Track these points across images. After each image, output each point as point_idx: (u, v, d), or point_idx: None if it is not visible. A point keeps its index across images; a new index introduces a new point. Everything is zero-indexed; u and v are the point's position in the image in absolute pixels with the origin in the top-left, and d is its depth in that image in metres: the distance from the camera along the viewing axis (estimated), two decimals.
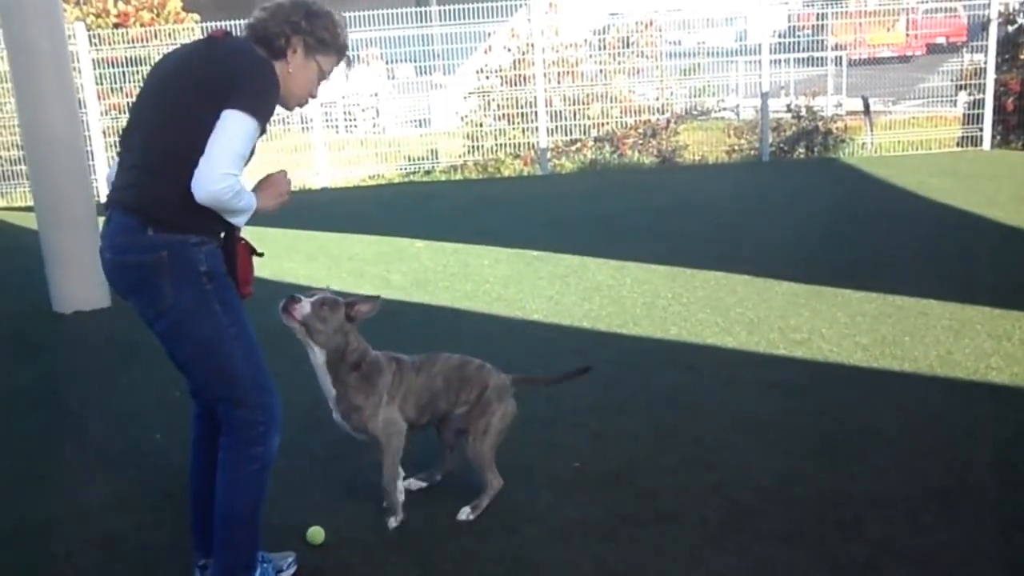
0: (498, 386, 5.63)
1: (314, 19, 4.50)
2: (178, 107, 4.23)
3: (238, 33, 4.56)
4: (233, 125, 4.11)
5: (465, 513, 5.51)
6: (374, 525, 5.49)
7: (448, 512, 5.49)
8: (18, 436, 7.23)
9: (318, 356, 5.23)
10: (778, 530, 5.22)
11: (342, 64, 4.75)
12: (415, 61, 22.40)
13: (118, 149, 4.51)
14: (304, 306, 5.09)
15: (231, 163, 4.11)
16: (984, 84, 19.40)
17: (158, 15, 22.09)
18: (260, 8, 4.52)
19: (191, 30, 21.39)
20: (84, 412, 7.59)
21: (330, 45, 4.57)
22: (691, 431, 6.58)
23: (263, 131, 4.27)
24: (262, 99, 4.25)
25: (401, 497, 5.50)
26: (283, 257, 12.23)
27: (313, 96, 4.68)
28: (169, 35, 20.35)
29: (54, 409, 7.64)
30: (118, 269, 4.31)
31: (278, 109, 4.42)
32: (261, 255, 4.63)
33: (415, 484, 5.78)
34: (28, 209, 12.06)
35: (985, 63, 19.43)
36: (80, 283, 10.03)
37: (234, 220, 4.34)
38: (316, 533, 5.25)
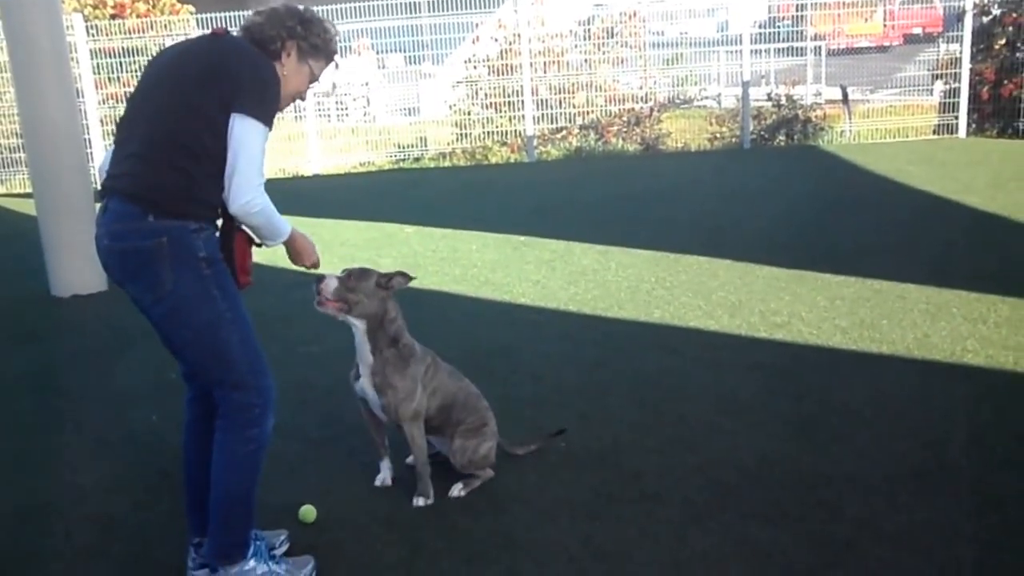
0: (494, 430, 5.69)
1: (308, 25, 4.61)
2: (181, 96, 4.24)
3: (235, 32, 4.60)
4: (250, 137, 4.21)
5: (457, 489, 5.52)
6: (366, 504, 5.48)
7: (438, 490, 5.46)
8: (16, 419, 7.20)
9: (359, 327, 5.22)
10: (760, 510, 5.21)
11: (331, 67, 4.86)
12: (405, 51, 22.37)
13: (114, 138, 4.47)
14: (331, 282, 5.12)
15: (259, 175, 4.26)
16: (960, 73, 19.40)
17: (154, 6, 22.05)
18: (255, 12, 4.57)
19: (186, 21, 21.32)
20: (82, 395, 7.57)
21: (321, 50, 4.67)
22: (675, 412, 6.56)
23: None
24: (269, 103, 4.33)
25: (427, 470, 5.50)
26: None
27: (302, 98, 4.80)
28: (165, 26, 20.37)
29: (52, 392, 7.61)
30: (116, 255, 4.27)
31: None
32: (260, 245, 4.58)
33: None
34: (27, 196, 12.02)
35: (961, 53, 19.44)
36: (78, 268, 10.00)
37: (266, 241, 4.49)
38: (308, 512, 5.24)
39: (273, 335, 8.14)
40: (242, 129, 4.18)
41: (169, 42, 20.16)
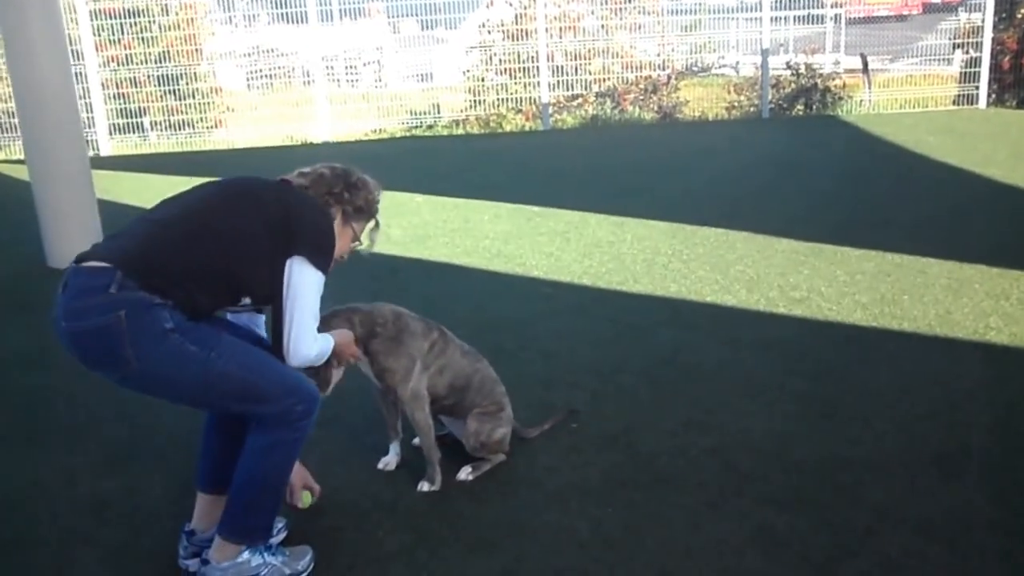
0: (510, 416, 5.57)
1: (354, 191, 4.66)
2: (240, 218, 4.24)
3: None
4: (308, 283, 4.28)
5: (465, 472, 5.38)
6: (367, 489, 5.33)
7: (446, 474, 5.32)
8: (9, 395, 7.08)
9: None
10: (777, 495, 5.06)
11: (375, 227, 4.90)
12: (418, 15, 22.21)
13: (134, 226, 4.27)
14: (337, 374, 5.06)
15: (314, 323, 4.36)
16: (981, 43, 19.23)
17: None
18: (299, 173, 4.60)
19: None
20: (77, 369, 7.40)
21: (365, 212, 4.73)
22: (690, 392, 6.42)
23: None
24: (327, 252, 4.38)
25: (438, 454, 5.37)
26: None
27: (343, 259, 4.74)
28: None
29: (47, 367, 7.46)
30: (73, 338, 3.99)
31: None
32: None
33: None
34: (23, 163, 11.92)
35: (982, 22, 19.25)
36: (74, 238, 9.73)
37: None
38: (305, 496, 5.09)
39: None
40: (300, 275, 4.25)
41: (172, 2, 20.03)
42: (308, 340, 4.27)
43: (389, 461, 5.54)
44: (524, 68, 20.29)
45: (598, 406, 6.22)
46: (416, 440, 5.45)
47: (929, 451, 5.49)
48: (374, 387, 5.34)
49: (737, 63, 23.16)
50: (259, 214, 4.21)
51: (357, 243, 4.75)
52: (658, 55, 21.67)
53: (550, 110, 20.12)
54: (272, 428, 4.29)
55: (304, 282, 4.24)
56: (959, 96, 19.87)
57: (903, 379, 6.50)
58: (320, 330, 4.52)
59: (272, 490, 4.45)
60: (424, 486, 5.26)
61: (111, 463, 5.81)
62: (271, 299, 4.26)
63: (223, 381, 4.14)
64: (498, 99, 20.75)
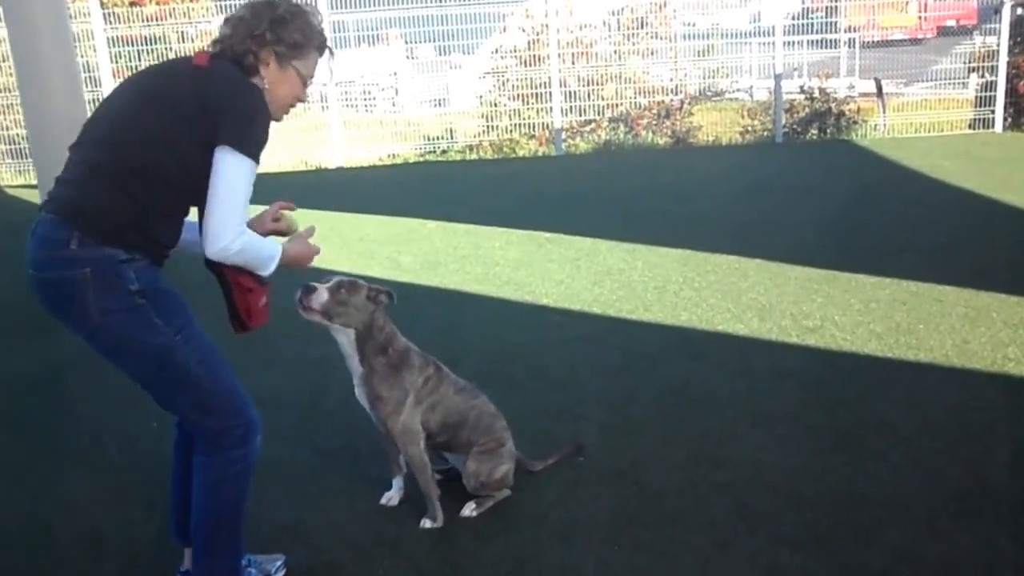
0: (512, 451, 5.39)
1: (280, 26, 4.16)
2: (154, 123, 3.92)
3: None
4: (234, 172, 3.88)
5: (468, 509, 5.23)
6: (370, 524, 5.19)
7: (451, 509, 5.16)
8: (13, 421, 6.98)
9: (344, 336, 4.97)
10: (790, 534, 4.90)
11: (326, 57, 4.41)
12: (435, 41, 22.16)
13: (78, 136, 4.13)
14: (321, 294, 4.85)
15: (237, 216, 3.92)
16: (996, 67, 19.09)
17: None
18: (225, 21, 4.22)
19: (206, 9, 21.09)
20: (82, 396, 7.33)
21: (304, 46, 4.23)
22: (700, 424, 6.26)
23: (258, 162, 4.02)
24: (256, 136, 3.96)
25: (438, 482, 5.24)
26: None
27: (301, 100, 4.34)
28: (184, 14, 20.13)
29: (52, 393, 7.37)
30: (40, 287, 3.94)
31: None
32: (266, 284, 4.27)
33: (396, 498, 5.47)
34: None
35: (997, 45, 19.12)
36: None
37: (259, 272, 4.12)
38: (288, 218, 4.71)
39: (284, 337, 7.88)
40: (224, 163, 3.86)
41: (190, 31, 19.98)
42: (228, 230, 3.86)
43: (392, 496, 5.40)
44: (537, 93, 20.19)
45: (606, 438, 6.07)
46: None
47: (948, 488, 5.33)
48: (375, 423, 5.19)
49: (751, 88, 23.06)
50: (178, 120, 3.92)
51: (311, 81, 4.30)
52: (671, 80, 21.57)
53: (563, 135, 20.00)
54: (211, 453, 4.16)
55: (227, 170, 3.87)
56: (975, 120, 19.69)
57: (919, 412, 6.34)
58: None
59: (228, 530, 4.28)
60: (426, 523, 5.12)
61: (112, 493, 5.70)
62: None
63: (177, 370, 4.02)
64: (511, 124, 20.64)
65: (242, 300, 4.21)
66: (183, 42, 20.12)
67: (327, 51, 4.38)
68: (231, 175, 3.86)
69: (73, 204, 3.89)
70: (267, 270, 4.14)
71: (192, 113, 3.89)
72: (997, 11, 19.19)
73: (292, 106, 4.31)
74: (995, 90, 19.16)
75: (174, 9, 20.45)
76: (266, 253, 4.10)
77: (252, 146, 3.92)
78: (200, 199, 3.91)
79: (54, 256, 3.83)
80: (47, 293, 3.91)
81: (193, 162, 3.86)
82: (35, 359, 8.14)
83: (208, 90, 3.94)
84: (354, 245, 11.42)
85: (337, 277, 4.95)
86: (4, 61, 18.03)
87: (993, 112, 19.20)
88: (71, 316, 3.91)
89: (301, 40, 4.18)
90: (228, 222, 3.87)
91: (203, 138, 3.84)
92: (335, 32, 19.46)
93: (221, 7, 20.38)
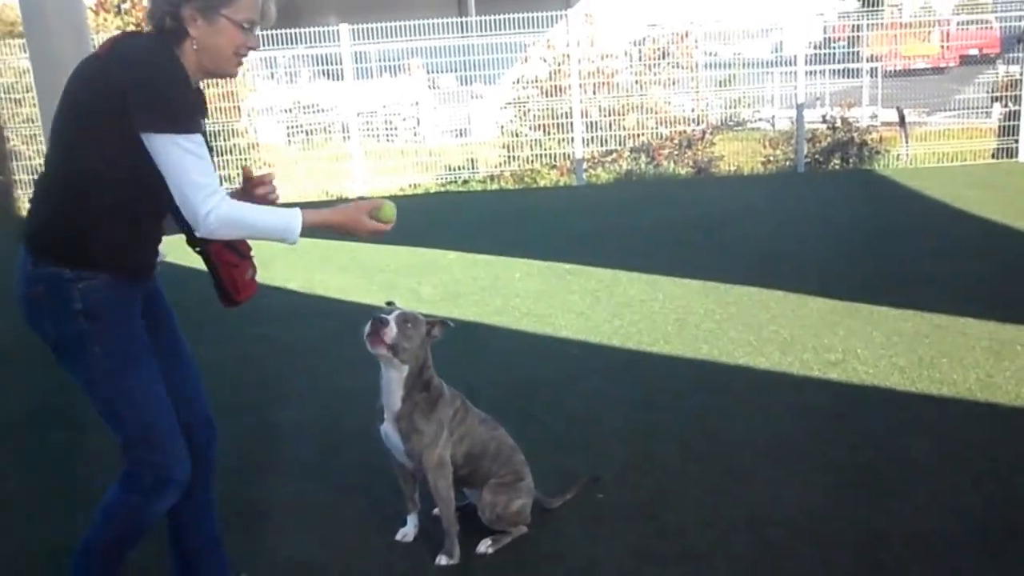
0: (529, 486, 5.31)
1: None
2: (72, 131, 3.82)
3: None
4: (168, 153, 3.68)
5: (484, 545, 5.16)
6: (385, 560, 5.13)
7: (467, 546, 5.09)
8: (27, 453, 6.94)
9: (397, 372, 4.85)
10: (810, 572, 4.82)
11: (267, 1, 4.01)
12: (456, 71, 22.17)
13: None
14: (391, 328, 4.70)
15: (199, 188, 3.71)
16: (1019, 96, 19.00)
17: None
18: None
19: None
20: (101, 426, 7.24)
21: None
22: (721, 459, 6.18)
23: (197, 128, 3.80)
24: (168, 109, 3.70)
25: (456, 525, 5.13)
26: (315, 268, 12.00)
27: (251, 47, 3.97)
28: None
29: (68, 424, 7.30)
30: (18, 301, 3.90)
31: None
32: (247, 257, 4.21)
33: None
34: None
35: (1020, 74, 19.04)
36: None
37: (281, 241, 3.93)
38: (385, 209, 4.57)
39: (302, 366, 7.84)
40: (155, 151, 3.67)
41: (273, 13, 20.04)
42: (195, 210, 3.70)
43: (407, 532, 5.32)
44: (559, 124, 20.16)
45: (624, 474, 5.99)
46: (436, 510, 5.20)
47: (972, 527, 5.24)
48: (391, 458, 5.12)
49: (773, 117, 23.00)
50: (88, 120, 3.76)
51: (249, 25, 3.89)
52: (693, 110, 21.53)
53: (584, 165, 19.96)
54: (119, 487, 4.06)
55: (162, 156, 3.66)
56: (998, 149, 19.58)
57: (943, 447, 6.25)
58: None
59: (95, 566, 4.17)
60: (442, 559, 5.05)
61: None
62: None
63: (106, 402, 3.94)
64: (533, 154, 20.61)
65: (227, 275, 4.15)
66: (267, 25, 20.09)
67: None
68: (167, 159, 3.68)
69: (26, 226, 3.86)
70: (283, 237, 3.90)
71: (99, 108, 3.72)
72: (1020, 40, 19.12)
73: (242, 56, 3.99)
74: (1018, 119, 19.06)
75: None
76: (271, 220, 3.90)
77: (169, 120, 3.68)
78: (154, 192, 3.80)
79: (21, 274, 3.83)
80: (22, 309, 3.88)
81: (123, 159, 3.73)
82: (51, 390, 8.04)
83: (108, 80, 3.72)
84: (375, 276, 11.40)
85: (397, 308, 4.86)
86: (28, 92, 18.06)
87: (1016, 141, 19.10)
88: (39, 331, 3.89)
89: None
90: (190, 203, 3.71)
91: (120, 130, 3.68)
92: (357, 63, 19.46)
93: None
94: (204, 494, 4.44)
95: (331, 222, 4.05)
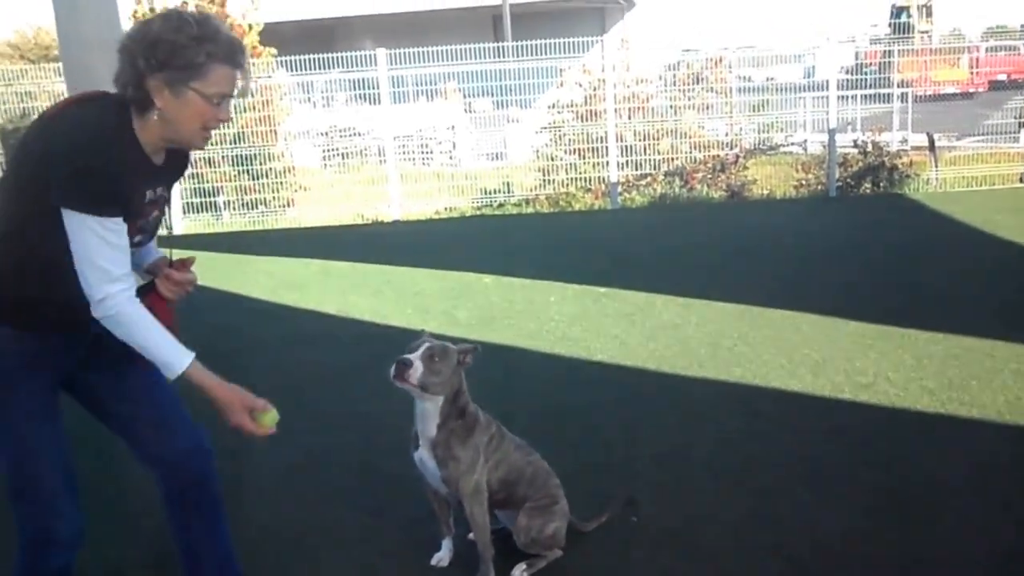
0: (564, 509, 5.29)
1: (155, 49, 3.61)
2: (3, 183, 3.75)
3: None
4: (75, 233, 3.56)
5: (519, 570, 5.15)
6: None
7: (501, 570, 5.08)
8: None
9: (432, 404, 4.80)
10: None
11: (243, 71, 3.80)
12: (492, 96, 22.20)
13: None
14: (416, 368, 4.62)
15: (99, 274, 3.60)
16: None
17: None
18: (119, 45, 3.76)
19: (268, 63, 21.14)
20: (125, 455, 7.24)
21: (196, 68, 3.64)
22: (754, 482, 6.17)
23: (117, 212, 3.63)
24: (83, 189, 3.54)
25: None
26: (348, 291, 12.00)
27: (221, 119, 3.77)
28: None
29: (100, 449, 7.29)
30: None
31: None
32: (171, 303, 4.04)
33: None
34: None
35: None
36: None
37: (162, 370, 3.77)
38: (263, 417, 4.53)
39: (336, 391, 7.84)
40: (68, 225, 3.55)
41: (252, 85, 19.99)
42: (91, 292, 3.58)
43: (442, 557, 5.31)
44: (594, 148, 20.16)
45: (659, 498, 5.97)
46: (471, 535, 5.20)
47: (1003, 549, 5.23)
48: (426, 484, 5.12)
49: (805, 141, 22.96)
50: (17, 176, 3.67)
51: (219, 100, 3.70)
52: (726, 134, 21.50)
53: (619, 189, 19.96)
54: (19, 548, 4.02)
55: (71, 232, 3.54)
56: None
57: (973, 470, 6.22)
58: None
59: None
60: None
61: (158, 560, 5.54)
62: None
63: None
64: (568, 178, 20.60)
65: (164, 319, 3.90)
66: (243, 97, 20.12)
67: (237, 65, 3.77)
68: (76, 237, 3.55)
69: None
70: (169, 372, 3.75)
71: (27, 171, 3.63)
72: None
73: (209, 129, 3.79)
74: None
75: None
76: (162, 352, 3.74)
77: (83, 201, 3.53)
78: (61, 269, 3.65)
79: None
80: None
81: (40, 224, 3.62)
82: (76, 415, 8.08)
83: (40, 143, 3.62)
84: (409, 299, 11.40)
85: (425, 342, 4.78)
86: None
87: None
88: None
89: (190, 59, 3.61)
90: (87, 283, 3.60)
91: (39, 196, 3.56)
92: (394, 87, 19.51)
93: (285, 62, 20.47)
94: (208, 524, 4.41)
95: (213, 394, 3.83)
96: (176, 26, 3.60)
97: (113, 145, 3.63)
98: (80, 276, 3.59)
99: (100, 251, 3.57)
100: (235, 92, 3.78)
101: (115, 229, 3.61)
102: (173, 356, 3.72)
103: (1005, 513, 5.62)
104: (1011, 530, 5.42)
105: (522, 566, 5.16)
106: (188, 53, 3.59)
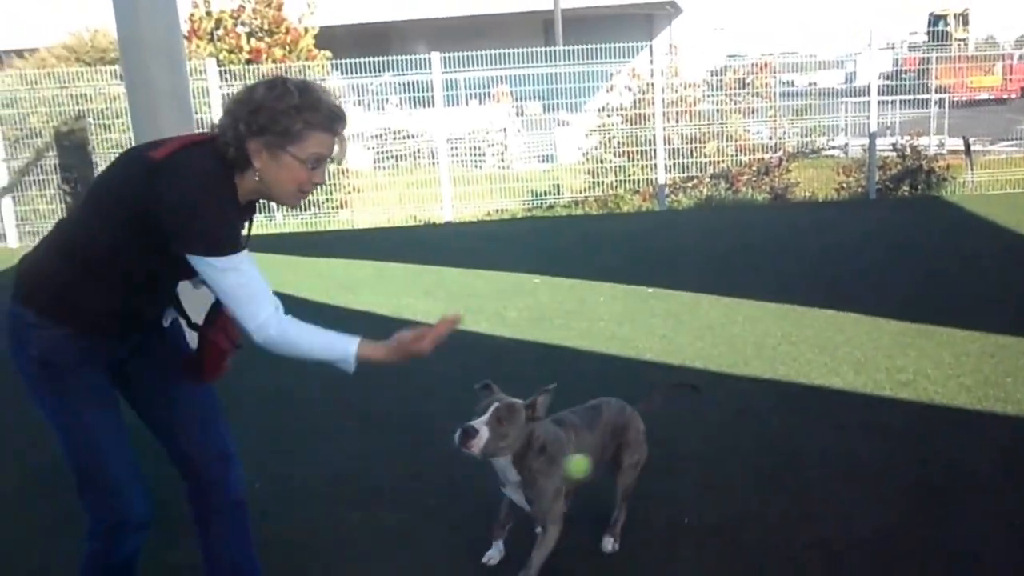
0: (640, 428, 5.36)
1: (258, 114, 3.69)
2: (97, 209, 3.81)
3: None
4: (214, 277, 3.70)
5: (608, 543, 5.23)
6: None
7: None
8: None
9: (504, 459, 4.69)
10: None
11: (340, 138, 3.87)
12: (542, 99, 22.19)
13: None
14: (481, 437, 4.46)
15: (252, 309, 3.72)
16: None
17: (290, 52, 21.61)
18: (224, 107, 3.85)
19: (323, 67, 21.11)
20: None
21: (300, 131, 3.71)
22: (795, 479, 6.16)
23: (238, 247, 3.73)
24: (208, 237, 3.65)
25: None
26: (401, 292, 12.02)
27: (316, 182, 3.84)
28: (300, 72, 20.09)
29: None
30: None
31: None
32: (236, 347, 4.11)
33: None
34: None
35: None
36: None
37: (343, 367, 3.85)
38: (577, 464, 4.61)
39: (388, 392, 7.83)
40: (203, 272, 3.71)
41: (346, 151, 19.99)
42: (249, 324, 3.69)
43: (492, 556, 5.25)
44: (642, 151, 20.11)
45: (703, 495, 5.97)
46: (537, 529, 5.03)
47: None
48: (504, 495, 5.07)
49: (846, 145, 22.88)
50: (118, 210, 3.69)
51: (315, 164, 3.77)
52: (770, 138, 21.42)
53: (666, 191, 19.93)
54: (87, 536, 4.08)
55: (210, 276, 3.68)
56: None
57: (1009, 465, 6.22)
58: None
59: None
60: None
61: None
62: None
63: (63, 447, 3.95)
64: (616, 180, 20.57)
65: (212, 358, 4.07)
66: (339, 162, 19.99)
67: (336, 128, 3.83)
68: (214, 280, 3.71)
69: (22, 260, 3.93)
70: (338, 363, 3.84)
71: (135, 209, 3.66)
72: None
73: (304, 192, 3.88)
74: None
75: (291, 67, 20.42)
76: (325, 346, 3.83)
77: (211, 247, 3.66)
78: (157, 288, 3.95)
79: (5, 310, 3.85)
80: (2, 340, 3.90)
81: (127, 253, 3.75)
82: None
83: (152, 189, 3.63)
84: (461, 300, 11.43)
85: (494, 403, 4.61)
86: (118, 118, 18.16)
87: None
88: (12, 361, 3.91)
89: (291, 126, 3.69)
90: (244, 318, 3.73)
91: (141, 234, 3.68)
92: (447, 90, 19.54)
93: (339, 65, 20.50)
94: (225, 528, 4.40)
95: (388, 363, 3.95)
96: (279, 94, 3.68)
97: (228, 199, 3.76)
98: (237, 314, 3.74)
99: (244, 286, 3.71)
100: (331, 156, 3.85)
101: (239, 262, 3.71)
102: (342, 352, 3.81)
103: None
104: None
105: (609, 539, 5.23)
106: (287, 120, 3.67)
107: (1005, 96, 30.87)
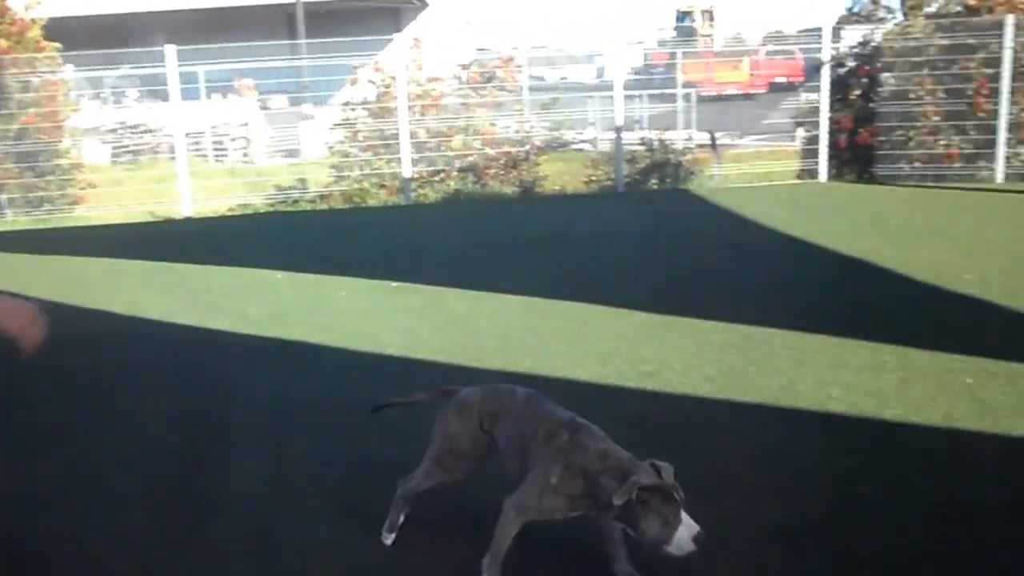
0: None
1: None
2: None
3: None
4: None
5: None
6: None
7: None
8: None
9: None
10: None
11: None
12: (288, 92, 22.12)
13: None
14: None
15: None
16: (819, 121, 19.55)
17: (17, 43, 20.97)
18: None
19: (53, 59, 20.48)
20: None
21: None
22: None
23: None
24: None
25: None
26: (136, 290, 11.77)
27: None
28: (28, 63, 19.45)
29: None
30: None
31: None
32: None
33: None
34: None
35: (819, 102, 19.59)
36: None
37: None
38: None
39: (126, 391, 7.72)
40: None
41: (34, 80, 19.33)
42: None
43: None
44: (387, 144, 20.15)
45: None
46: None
47: (771, 524, 5.41)
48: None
49: (594, 139, 23.29)
50: None
51: None
52: (518, 132, 21.66)
53: (412, 185, 19.99)
54: None
55: None
56: (802, 170, 20.23)
57: (747, 453, 6.44)
58: None
59: None
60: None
61: None
62: None
63: None
64: (362, 174, 20.58)
65: None
66: (26, 92, 19.49)
67: None
68: None
69: None
70: None
71: None
72: (819, 69, 19.70)
73: None
74: (819, 143, 19.62)
75: (18, 59, 19.71)
76: None
77: None
78: None
79: None
80: None
81: None
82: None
83: None
84: (200, 297, 11.27)
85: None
86: None
87: (817, 163, 19.70)
88: None
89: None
90: None
91: None
92: (185, 84, 19.22)
93: (73, 58, 20.00)
94: None
95: None
96: None
97: None
98: None
99: None
100: None
101: None
102: None
103: (775, 495, 5.84)
104: (779, 511, 5.60)
105: None
106: None
107: (752, 91, 31.79)
